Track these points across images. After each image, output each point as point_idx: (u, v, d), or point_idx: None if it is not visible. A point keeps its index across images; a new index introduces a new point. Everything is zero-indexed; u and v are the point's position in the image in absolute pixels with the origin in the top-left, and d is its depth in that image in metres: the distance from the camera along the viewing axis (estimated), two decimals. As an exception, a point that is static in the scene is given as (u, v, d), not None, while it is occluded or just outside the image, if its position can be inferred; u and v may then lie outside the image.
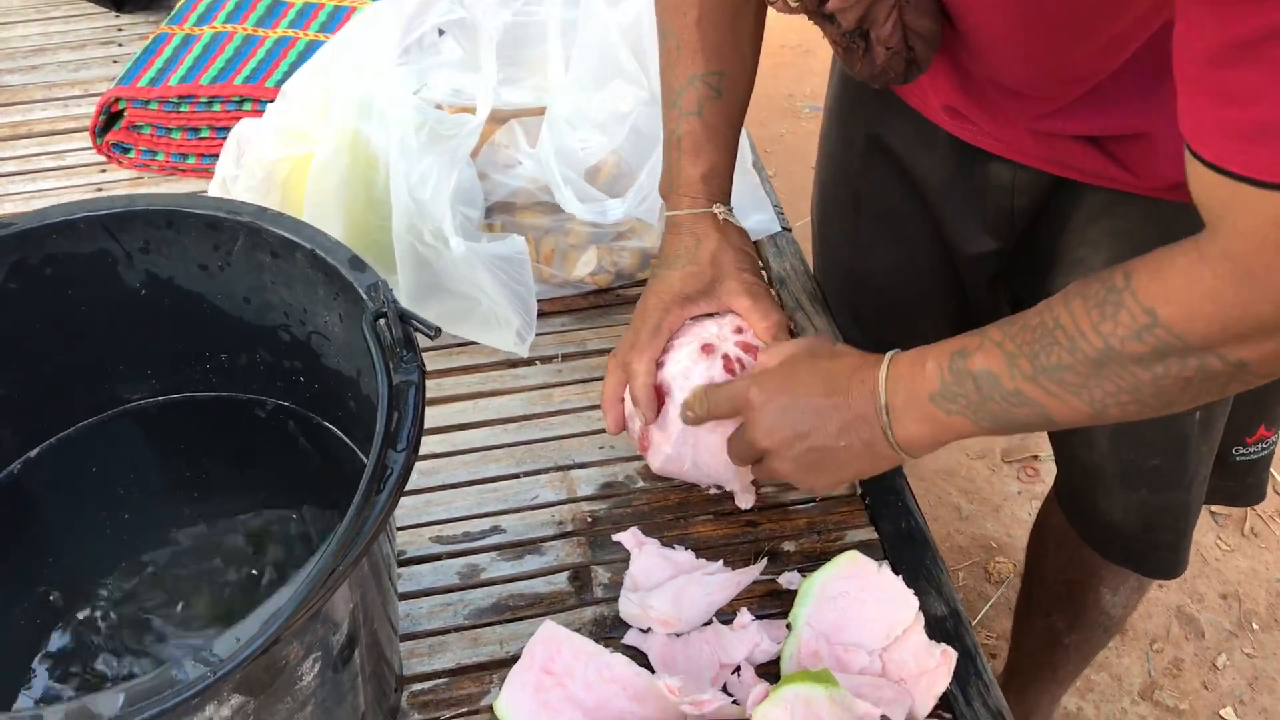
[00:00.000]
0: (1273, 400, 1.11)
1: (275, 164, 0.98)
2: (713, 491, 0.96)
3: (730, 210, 0.95)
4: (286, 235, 0.71)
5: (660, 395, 0.90)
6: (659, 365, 0.90)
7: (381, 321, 0.65)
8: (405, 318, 0.65)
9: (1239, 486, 1.17)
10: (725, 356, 0.89)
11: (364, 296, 0.67)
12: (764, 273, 0.95)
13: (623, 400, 0.92)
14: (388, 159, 0.96)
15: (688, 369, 0.89)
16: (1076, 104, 0.85)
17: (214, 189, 1.05)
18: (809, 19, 0.82)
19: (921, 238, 1.10)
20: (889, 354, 0.79)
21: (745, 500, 0.94)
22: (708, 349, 0.90)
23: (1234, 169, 0.58)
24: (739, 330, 0.91)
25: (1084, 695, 1.66)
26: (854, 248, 1.19)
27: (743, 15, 0.94)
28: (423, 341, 0.67)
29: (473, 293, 0.99)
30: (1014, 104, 0.90)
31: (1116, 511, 1.12)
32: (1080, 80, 0.83)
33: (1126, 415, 0.70)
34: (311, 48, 1.22)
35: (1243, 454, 1.13)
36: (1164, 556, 1.16)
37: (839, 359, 0.83)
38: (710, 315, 0.93)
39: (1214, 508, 1.88)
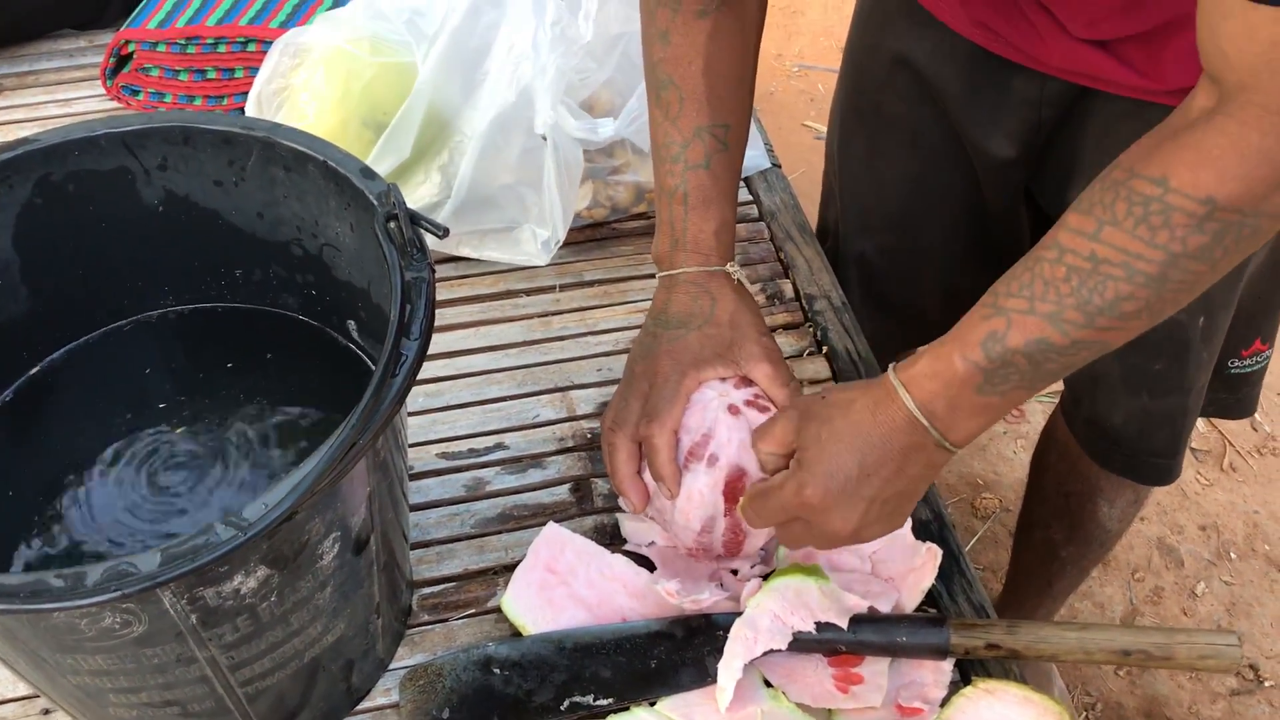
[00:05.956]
0: (1269, 315, 1.14)
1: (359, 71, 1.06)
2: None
3: (742, 271, 0.91)
4: (299, 148, 0.75)
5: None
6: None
7: (393, 224, 0.68)
8: (415, 219, 0.69)
9: (1232, 399, 1.20)
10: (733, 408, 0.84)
11: (375, 203, 0.70)
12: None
13: (641, 475, 0.85)
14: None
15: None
16: (1128, 6, 0.87)
17: (250, 110, 1.10)
18: None
19: (941, 149, 1.12)
20: (893, 378, 0.74)
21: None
22: (733, 409, 0.84)
23: None
24: (745, 383, 0.86)
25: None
26: (873, 157, 1.21)
27: (746, 62, 0.92)
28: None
29: (524, 198, 1.07)
30: (1068, 6, 0.91)
31: (1117, 416, 1.15)
32: None
33: (1180, 306, 0.69)
34: (315, -11, 1.26)
35: (1238, 366, 1.16)
36: (1160, 463, 1.19)
37: (848, 412, 0.75)
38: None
39: (1194, 445, 1.93)
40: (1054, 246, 0.68)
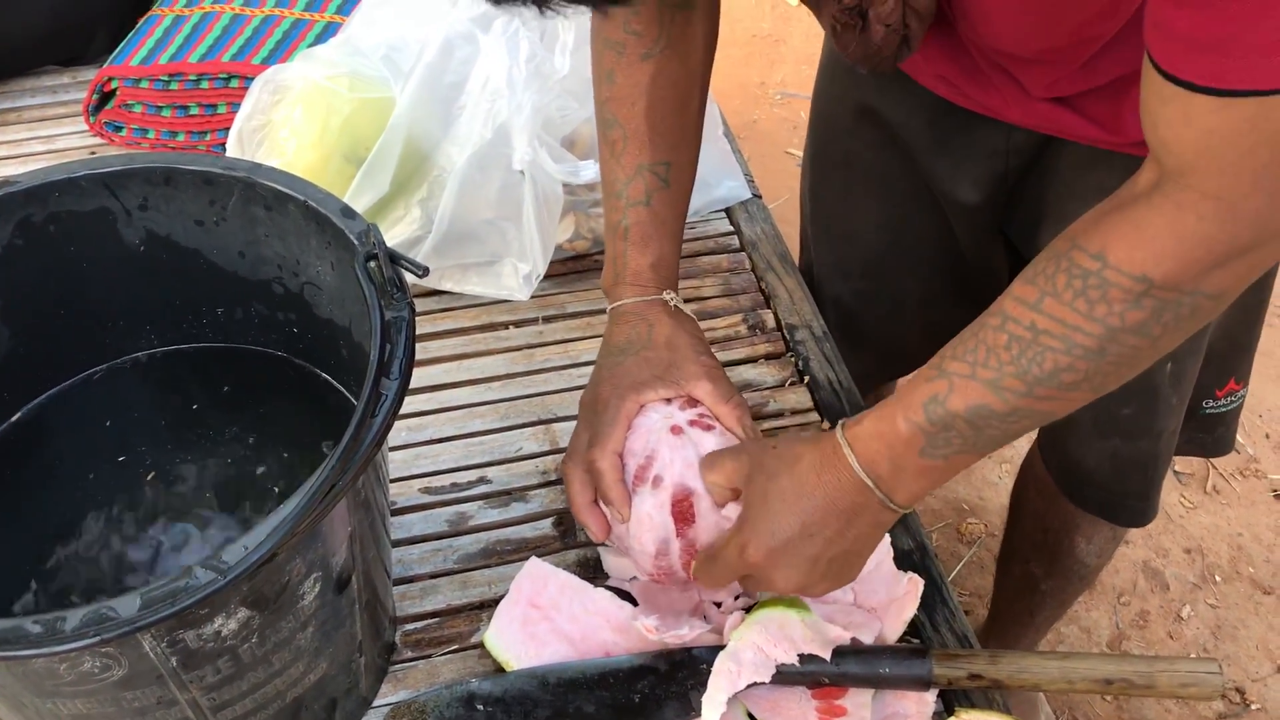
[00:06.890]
0: (1242, 355, 1.15)
1: (338, 106, 1.06)
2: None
3: (680, 298, 0.93)
4: (280, 188, 0.75)
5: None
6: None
7: (373, 263, 0.69)
8: (395, 258, 0.69)
9: (1209, 438, 1.20)
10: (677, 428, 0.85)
11: (355, 242, 0.71)
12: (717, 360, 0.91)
13: (598, 504, 0.86)
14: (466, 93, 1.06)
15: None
16: (1084, 66, 0.88)
17: (231, 147, 1.10)
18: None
19: (911, 195, 1.13)
20: (839, 436, 0.75)
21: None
22: (676, 430, 0.85)
23: (1231, 85, 0.57)
24: (691, 404, 0.87)
25: (1054, 648, 1.71)
26: (845, 205, 1.22)
27: (689, 104, 0.94)
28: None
29: (505, 233, 1.07)
30: (1025, 72, 0.92)
31: (1090, 459, 1.16)
32: (1090, 41, 0.85)
33: (1123, 380, 0.69)
34: (297, 26, 1.27)
35: (1213, 407, 1.16)
36: (1134, 505, 1.19)
37: (794, 468, 0.76)
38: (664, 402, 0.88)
39: (1178, 468, 1.94)
40: (999, 314, 0.69)
